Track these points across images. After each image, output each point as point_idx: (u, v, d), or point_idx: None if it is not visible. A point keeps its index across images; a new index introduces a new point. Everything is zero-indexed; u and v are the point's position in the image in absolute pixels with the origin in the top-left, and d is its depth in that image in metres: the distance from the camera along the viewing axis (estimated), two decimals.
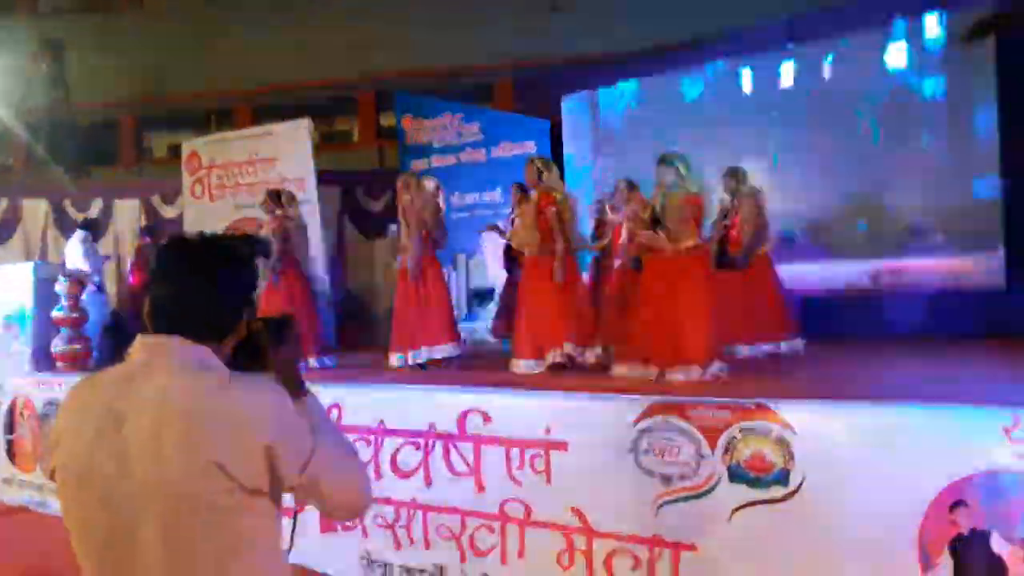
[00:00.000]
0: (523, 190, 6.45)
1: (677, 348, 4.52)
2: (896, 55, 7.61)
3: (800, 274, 7.14)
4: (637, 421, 3.39)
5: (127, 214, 10.83)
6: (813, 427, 3.03)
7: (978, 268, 7.12)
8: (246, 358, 1.55)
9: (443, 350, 5.74)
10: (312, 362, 6.09)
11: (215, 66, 12.85)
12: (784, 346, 5.80)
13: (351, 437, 4.24)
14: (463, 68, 11.96)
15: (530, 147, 9.26)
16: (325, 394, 4.42)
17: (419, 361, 5.70)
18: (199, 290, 1.48)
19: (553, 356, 5.15)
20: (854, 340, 6.64)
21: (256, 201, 8.52)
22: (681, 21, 9.99)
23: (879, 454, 2.87)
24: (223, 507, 1.33)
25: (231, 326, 1.52)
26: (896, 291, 7.43)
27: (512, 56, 11.47)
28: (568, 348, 5.15)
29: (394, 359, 5.79)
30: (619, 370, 4.79)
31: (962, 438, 2.70)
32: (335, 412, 4.32)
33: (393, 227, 6.43)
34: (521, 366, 5.25)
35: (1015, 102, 6.68)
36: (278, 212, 6.34)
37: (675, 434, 3.31)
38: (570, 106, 9.75)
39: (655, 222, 4.77)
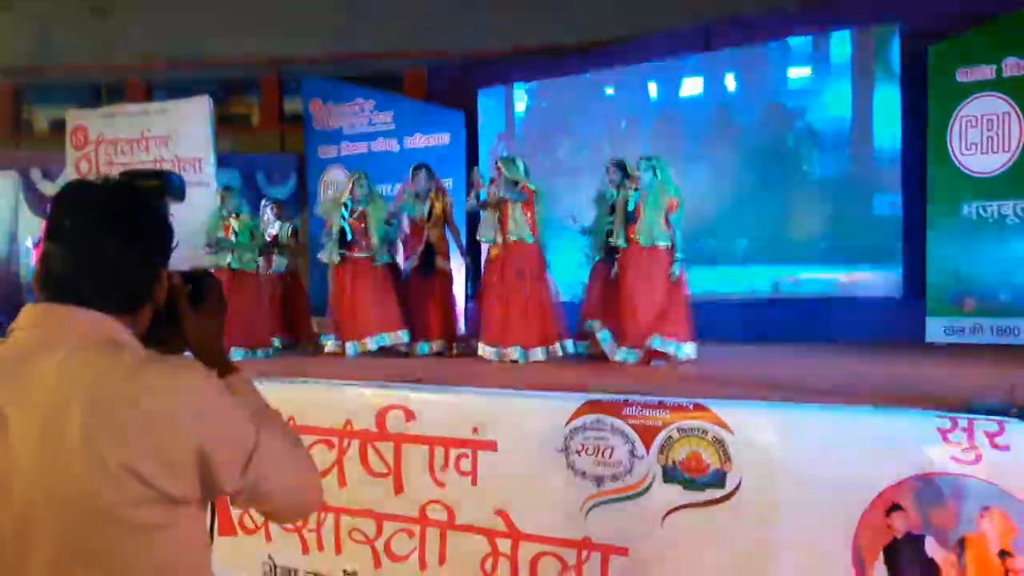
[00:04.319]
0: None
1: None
2: (802, 69, 7.85)
3: (701, 279, 7.22)
4: (570, 420, 3.26)
5: (3, 189, 9.96)
6: (750, 429, 2.98)
7: (875, 280, 7.41)
8: (160, 329, 1.25)
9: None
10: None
11: (105, 37, 11.87)
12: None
13: None
14: (373, 56, 11.54)
15: (444, 139, 9.05)
16: None
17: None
18: (110, 245, 1.16)
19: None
20: (758, 344, 6.80)
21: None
22: (592, 22, 9.96)
23: (815, 456, 2.85)
24: (138, 523, 1.06)
25: (148, 290, 1.22)
26: (793, 299, 7.66)
27: (425, 47, 11.15)
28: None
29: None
30: (619, 354, 5.17)
31: (899, 441, 2.69)
32: None
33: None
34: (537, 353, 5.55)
35: (916, 120, 6.96)
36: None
37: (608, 433, 3.20)
38: (485, 100, 9.58)
39: (628, 218, 5.18)
